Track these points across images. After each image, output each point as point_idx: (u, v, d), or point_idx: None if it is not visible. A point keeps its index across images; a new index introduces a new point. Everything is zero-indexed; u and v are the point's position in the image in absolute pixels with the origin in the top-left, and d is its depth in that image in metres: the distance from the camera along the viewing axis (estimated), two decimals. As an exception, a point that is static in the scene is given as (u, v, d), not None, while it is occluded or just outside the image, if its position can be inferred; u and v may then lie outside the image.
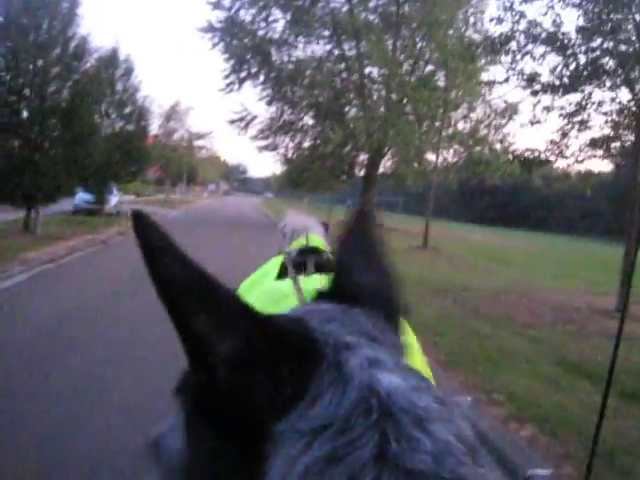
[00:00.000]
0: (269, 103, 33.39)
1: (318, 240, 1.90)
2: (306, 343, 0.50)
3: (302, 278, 1.34)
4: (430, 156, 29.97)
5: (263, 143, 34.44)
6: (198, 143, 58.72)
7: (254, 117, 33.29)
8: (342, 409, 0.45)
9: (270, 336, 0.49)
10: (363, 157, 33.33)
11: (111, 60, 25.06)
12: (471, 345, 7.81)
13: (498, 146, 29.26)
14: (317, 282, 0.93)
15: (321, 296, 0.68)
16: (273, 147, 34.55)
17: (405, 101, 28.72)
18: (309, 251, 1.79)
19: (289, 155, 34.96)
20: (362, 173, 33.68)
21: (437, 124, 28.00)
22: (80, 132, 16.76)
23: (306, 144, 34.26)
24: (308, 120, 33.44)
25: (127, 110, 26.20)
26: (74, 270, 12.46)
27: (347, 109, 32.31)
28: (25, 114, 16.11)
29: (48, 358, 6.12)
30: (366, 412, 0.44)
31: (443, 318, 9.38)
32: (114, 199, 28.12)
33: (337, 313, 0.58)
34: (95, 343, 6.82)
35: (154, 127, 47.46)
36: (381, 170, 33.42)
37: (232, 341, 0.48)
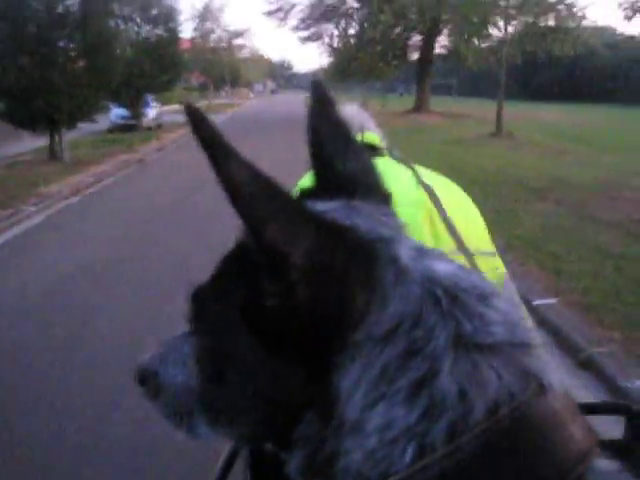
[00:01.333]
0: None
1: (374, 136, 1.68)
2: (365, 243, 0.49)
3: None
4: (492, 30, 26.74)
5: (306, 33, 31.76)
6: (237, 42, 55.50)
7: (293, 5, 30.45)
8: (411, 305, 0.46)
9: (336, 240, 0.47)
10: (416, 39, 30.29)
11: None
12: (608, 274, 5.69)
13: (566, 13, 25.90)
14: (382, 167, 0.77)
15: (308, 193, 0.62)
16: (317, 37, 31.77)
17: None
18: (367, 148, 1.35)
19: (335, 44, 32.05)
20: (415, 57, 30.72)
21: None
22: (96, 40, 14.68)
23: (352, 30, 31.30)
24: (352, 3, 30.29)
25: (152, 12, 23.67)
26: (102, 203, 10.79)
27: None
28: (32, 27, 14.08)
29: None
30: (435, 302, 0.46)
31: (554, 230, 7.31)
32: (152, 111, 26.12)
33: (349, 209, 0.55)
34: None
35: (188, 30, 44.93)
36: (436, 52, 30.37)
37: (305, 248, 0.46)
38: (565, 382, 0.48)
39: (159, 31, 24.17)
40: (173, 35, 24.66)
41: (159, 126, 25.81)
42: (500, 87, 19.81)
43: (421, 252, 0.50)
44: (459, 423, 0.43)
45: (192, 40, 44.17)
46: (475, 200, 1.50)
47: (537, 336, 0.49)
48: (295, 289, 0.46)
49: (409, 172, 1.47)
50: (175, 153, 17.36)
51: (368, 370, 0.45)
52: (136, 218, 9.02)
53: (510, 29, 24.08)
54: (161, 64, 23.41)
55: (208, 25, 47.44)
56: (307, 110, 0.63)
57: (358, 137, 0.80)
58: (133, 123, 23.98)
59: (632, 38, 65.17)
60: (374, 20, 26.53)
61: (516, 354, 0.45)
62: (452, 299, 0.46)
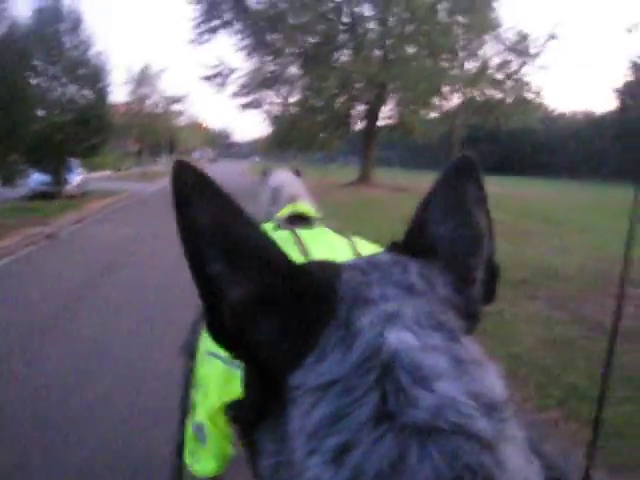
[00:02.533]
0: (249, 54, 29.18)
1: (306, 207, 1.84)
2: (320, 298, 0.51)
3: (301, 231, 1.49)
4: (441, 102, 26.02)
5: (245, 100, 30.33)
6: (175, 108, 53.84)
7: (232, 70, 29.14)
8: (346, 367, 0.47)
9: (285, 288, 0.51)
10: (360, 108, 29.37)
11: (52, 11, 20.57)
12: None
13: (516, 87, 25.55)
14: (317, 236, 0.99)
15: (393, 247, 0.64)
16: (257, 104, 30.44)
17: (414, 31, 24.47)
18: (298, 218, 1.79)
19: (275, 111, 30.84)
20: (360, 127, 29.75)
21: (460, 55, 23.87)
22: (8, 95, 12.76)
23: (293, 98, 30.20)
24: (294, 70, 29.30)
25: (80, 72, 21.79)
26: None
27: (338, 55, 28.17)
28: None
29: None
30: (368, 371, 0.46)
31: (562, 347, 5.60)
32: (77, 177, 23.97)
33: (386, 263, 0.57)
34: None
35: (123, 94, 43.41)
36: (381, 122, 29.51)
37: (243, 288, 0.51)
38: None
39: (86, 92, 22.29)
40: (101, 97, 22.76)
41: (84, 194, 23.60)
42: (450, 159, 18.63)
43: (391, 318, 0.50)
44: None
45: (127, 104, 42.38)
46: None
47: (500, 430, 0.45)
48: (223, 317, 0.51)
49: (345, 241, 1.49)
50: (95, 226, 15.33)
51: (307, 419, 0.47)
52: (15, 327, 6.67)
53: (458, 100, 23.43)
54: (88, 127, 21.49)
55: (144, 90, 45.81)
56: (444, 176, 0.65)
57: (290, 206, 1.09)
58: (54, 190, 21.68)
59: (563, 115, 67.50)
60: (317, 88, 25.43)
61: (452, 441, 0.42)
62: (386, 373, 0.46)
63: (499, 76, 25.90)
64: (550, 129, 59.22)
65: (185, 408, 1.61)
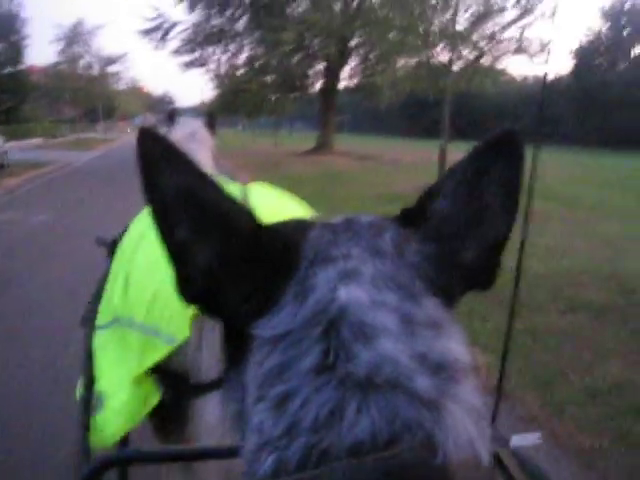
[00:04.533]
0: (192, 5, 25.70)
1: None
2: (282, 255, 0.54)
3: None
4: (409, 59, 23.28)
5: (188, 58, 26.92)
6: (112, 70, 49.51)
7: (173, 24, 25.65)
8: (298, 321, 0.49)
9: (249, 250, 0.53)
10: (318, 68, 26.44)
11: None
12: None
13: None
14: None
15: (399, 214, 0.62)
16: (201, 62, 27.03)
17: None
18: None
19: (221, 71, 27.51)
20: (316, 88, 26.86)
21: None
22: None
23: (242, 56, 26.99)
24: (243, 23, 25.97)
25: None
26: None
27: (294, 6, 24.99)
28: None
29: None
30: (315, 325, 0.48)
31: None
32: (-9, 147, 20.38)
33: (362, 225, 0.58)
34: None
35: (51, 54, 39.57)
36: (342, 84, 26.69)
37: (209, 252, 0.53)
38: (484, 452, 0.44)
39: (-1, 46, 18.73)
40: (17, 51, 19.17)
41: (1, 166, 20.13)
42: (443, 126, 15.75)
43: (347, 276, 0.51)
44: (311, 454, 0.43)
45: (56, 65, 38.23)
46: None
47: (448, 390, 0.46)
48: (191, 278, 0.54)
49: (237, 188, 1.55)
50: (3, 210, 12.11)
51: (259, 368, 0.50)
52: None
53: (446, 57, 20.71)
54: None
55: (76, 49, 41.48)
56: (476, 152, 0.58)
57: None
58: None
59: (514, 79, 65.83)
60: (270, 43, 22.15)
61: (391, 397, 0.44)
62: (330, 328, 0.48)
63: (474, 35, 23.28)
64: (505, 94, 57.84)
65: (90, 377, 1.58)
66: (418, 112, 67.53)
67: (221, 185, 0.53)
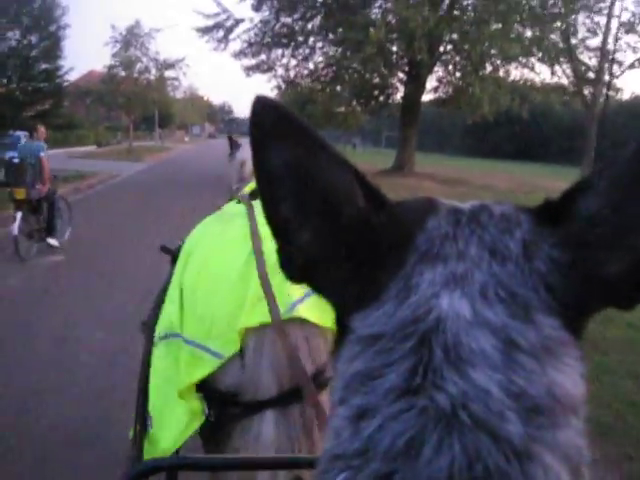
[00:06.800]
0: (257, 7, 22.58)
1: None
2: (393, 245, 0.49)
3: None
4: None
5: (252, 61, 23.77)
6: (169, 74, 46.86)
7: (237, 22, 22.56)
8: (394, 323, 0.45)
9: (357, 234, 0.50)
10: (399, 76, 23.02)
11: None
12: None
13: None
14: None
15: (544, 208, 0.53)
16: (267, 67, 23.82)
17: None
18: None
19: (290, 76, 24.23)
20: (398, 99, 23.43)
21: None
22: None
23: (314, 60, 23.72)
24: (316, 24, 22.68)
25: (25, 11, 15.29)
26: None
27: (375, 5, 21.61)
28: None
29: None
30: (409, 335, 0.44)
31: None
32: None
33: (494, 218, 0.51)
34: None
35: (105, 57, 37.29)
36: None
37: (311, 232, 0.51)
38: None
39: (34, 39, 15.83)
40: (54, 44, 16.24)
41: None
42: (588, 148, 12.12)
43: (454, 280, 0.46)
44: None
45: (111, 69, 35.74)
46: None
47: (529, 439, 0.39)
48: (293, 256, 0.52)
49: None
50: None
51: (348, 367, 0.46)
52: None
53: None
54: (37, 88, 15.19)
55: (133, 52, 38.98)
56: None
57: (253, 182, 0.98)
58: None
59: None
60: (355, 42, 18.72)
61: (476, 438, 0.39)
62: (423, 344, 0.43)
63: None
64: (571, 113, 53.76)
65: (145, 386, 1.60)
66: (482, 131, 63.74)
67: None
